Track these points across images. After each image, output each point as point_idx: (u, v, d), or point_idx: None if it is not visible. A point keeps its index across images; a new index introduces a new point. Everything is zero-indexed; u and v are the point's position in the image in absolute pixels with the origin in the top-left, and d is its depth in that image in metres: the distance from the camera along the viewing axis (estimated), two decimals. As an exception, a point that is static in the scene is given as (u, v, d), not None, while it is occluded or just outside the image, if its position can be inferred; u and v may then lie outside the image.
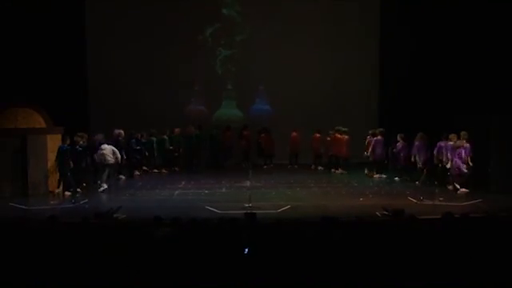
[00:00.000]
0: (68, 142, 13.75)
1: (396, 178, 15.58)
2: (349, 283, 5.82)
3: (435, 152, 14.14)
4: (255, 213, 9.14)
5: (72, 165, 13.70)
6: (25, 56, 16.17)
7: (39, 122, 14.09)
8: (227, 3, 19.82)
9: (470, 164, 13.03)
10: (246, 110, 20.00)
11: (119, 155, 14.50)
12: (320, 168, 17.85)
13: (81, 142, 14.24)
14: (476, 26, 14.20)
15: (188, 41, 19.46)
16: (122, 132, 15.69)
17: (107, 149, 14.32)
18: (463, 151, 13.05)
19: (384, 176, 15.90)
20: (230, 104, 20.09)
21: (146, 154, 16.77)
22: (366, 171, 16.35)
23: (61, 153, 13.54)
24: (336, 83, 19.31)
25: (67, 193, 13.61)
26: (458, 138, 13.38)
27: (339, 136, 16.86)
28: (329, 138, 17.24)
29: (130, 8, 19.03)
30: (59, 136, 13.87)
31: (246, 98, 19.91)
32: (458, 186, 13.20)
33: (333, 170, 17.09)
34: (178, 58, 19.22)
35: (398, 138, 15.52)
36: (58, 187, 13.84)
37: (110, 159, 14.24)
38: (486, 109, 13.66)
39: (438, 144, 14.10)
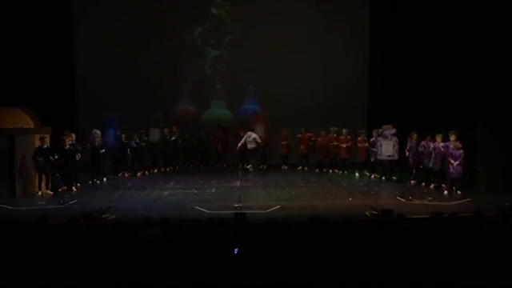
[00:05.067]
0: (47, 142, 13.71)
1: (383, 178, 15.70)
2: (338, 283, 5.83)
3: (424, 152, 14.22)
4: (245, 213, 9.17)
5: (51, 164, 13.71)
6: (12, 56, 16.04)
7: (27, 122, 14.03)
8: (216, 3, 19.79)
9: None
10: (235, 110, 19.98)
11: (260, 142, 17.22)
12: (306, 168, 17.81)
13: (70, 142, 14.27)
14: (465, 24, 14.27)
15: (177, 40, 19.42)
16: (99, 132, 15.58)
17: (252, 136, 17.06)
18: (457, 153, 13.06)
19: (378, 176, 15.93)
20: (219, 104, 20.06)
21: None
22: (365, 172, 16.43)
23: (38, 153, 13.54)
24: (326, 82, 19.32)
25: (50, 192, 13.62)
26: (447, 139, 13.46)
27: (341, 137, 16.99)
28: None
29: (119, 8, 18.94)
30: (47, 136, 13.87)
31: (235, 98, 19.89)
32: (454, 188, 13.23)
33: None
34: (166, 57, 19.17)
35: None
36: (47, 188, 13.78)
37: (251, 145, 17.02)
38: (474, 108, 13.74)
39: (427, 144, 14.18)
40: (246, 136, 17.22)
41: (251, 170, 17.24)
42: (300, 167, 17.83)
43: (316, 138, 17.37)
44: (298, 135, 17.67)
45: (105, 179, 15.67)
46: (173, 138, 17.56)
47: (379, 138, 15.44)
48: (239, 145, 17.33)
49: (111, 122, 15.99)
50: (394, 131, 15.26)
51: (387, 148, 15.23)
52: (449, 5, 15.10)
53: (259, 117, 18.45)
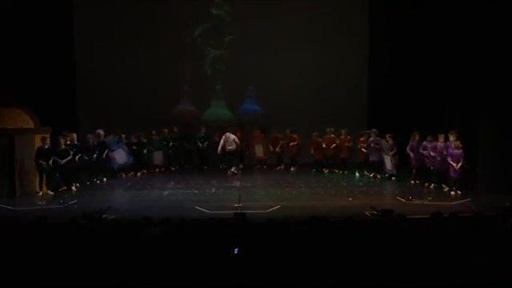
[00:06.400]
0: (48, 142, 13.71)
1: (378, 176, 15.85)
2: (338, 283, 5.83)
3: (424, 152, 14.24)
4: (245, 213, 9.16)
5: (52, 165, 13.69)
6: (12, 56, 16.03)
7: (27, 122, 14.02)
8: (216, 3, 19.77)
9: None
10: (235, 110, 19.97)
11: (239, 142, 16.51)
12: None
13: (68, 142, 14.27)
14: (465, 25, 14.25)
15: (177, 40, 19.40)
16: (103, 132, 15.60)
17: (230, 137, 16.38)
18: (457, 153, 13.08)
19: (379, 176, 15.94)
20: (219, 104, 20.04)
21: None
22: (365, 172, 16.42)
23: (39, 154, 13.52)
24: (325, 83, 19.31)
25: (50, 192, 13.60)
26: (447, 139, 13.49)
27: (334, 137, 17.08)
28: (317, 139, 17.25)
29: (119, 8, 18.89)
30: (48, 136, 13.88)
31: (235, 98, 19.87)
32: (454, 188, 13.22)
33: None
34: (166, 57, 19.14)
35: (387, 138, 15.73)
36: (47, 188, 13.76)
37: (230, 146, 16.31)
38: (474, 108, 13.74)
39: (428, 144, 14.19)
40: (224, 138, 16.73)
41: (236, 172, 16.72)
42: (292, 168, 17.73)
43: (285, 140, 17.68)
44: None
45: (105, 179, 15.67)
46: (171, 144, 17.62)
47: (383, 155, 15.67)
48: (219, 148, 16.82)
49: (115, 144, 16.02)
50: (391, 143, 15.42)
51: (387, 163, 15.58)
52: (449, 5, 15.07)
53: (258, 137, 18.29)
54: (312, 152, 17.22)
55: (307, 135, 17.37)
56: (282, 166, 17.98)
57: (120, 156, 15.93)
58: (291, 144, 17.62)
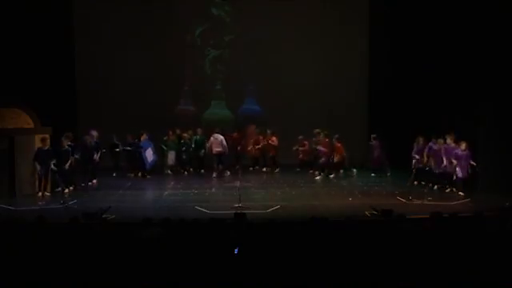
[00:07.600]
0: (48, 144, 13.68)
1: (372, 174, 16.13)
2: (338, 283, 5.84)
3: (426, 153, 14.27)
4: (245, 213, 9.17)
5: (53, 166, 13.66)
6: (12, 56, 16.01)
7: (27, 122, 14.01)
8: (216, 3, 19.76)
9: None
10: (235, 110, 19.95)
11: (226, 145, 16.07)
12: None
13: (69, 143, 14.25)
14: (466, 26, 14.25)
15: (177, 41, 19.37)
16: (96, 133, 15.58)
17: (218, 139, 16.00)
18: (463, 154, 13.10)
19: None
20: (219, 104, 20.03)
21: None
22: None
23: (38, 155, 13.48)
24: (326, 83, 19.29)
25: (46, 193, 13.59)
26: (445, 140, 13.53)
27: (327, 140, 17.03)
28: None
29: (119, 8, 18.89)
30: (48, 137, 13.86)
31: (235, 98, 19.86)
32: (455, 190, 13.23)
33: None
34: (166, 58, 19.12)
35: (372, 139, 16.17)
36: (45, 189, 13.72)
37: (217, 148, 15.96)
38: (474, 108, 13.75)
39: (430, 145, 14.19)
40: (212, 139, 16.32)
41: (214, 176, 16.19)
42: (269, 169, 17.58)
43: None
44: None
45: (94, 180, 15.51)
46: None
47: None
48: (209, 148, 16.46)
49: (147, 144, 16.14)
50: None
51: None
52: (449, 5, 15.06)
53: (252, 133, 18.12)
54: (300, 154, 17.35)
55: (308, 135, 17.34)
56: (268, 169, 17.68)
57: (149, 155, 15.97)
58: (270, 144, 17.39)
